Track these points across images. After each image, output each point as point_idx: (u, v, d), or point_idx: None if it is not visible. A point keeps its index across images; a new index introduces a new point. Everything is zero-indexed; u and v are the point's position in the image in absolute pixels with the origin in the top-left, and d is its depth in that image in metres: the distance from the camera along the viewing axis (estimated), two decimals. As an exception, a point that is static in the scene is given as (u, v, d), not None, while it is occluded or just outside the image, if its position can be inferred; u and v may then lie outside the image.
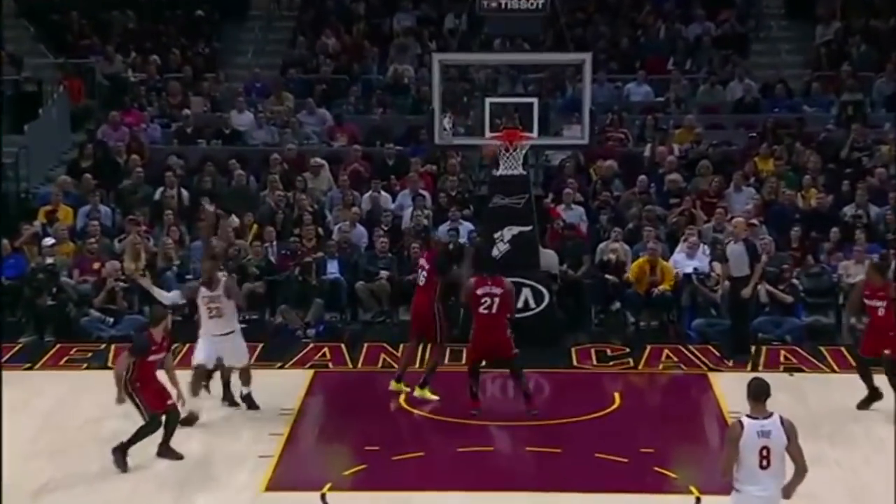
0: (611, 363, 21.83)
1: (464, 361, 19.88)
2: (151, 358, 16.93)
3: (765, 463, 11.59)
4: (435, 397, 19.67)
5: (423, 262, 20.35)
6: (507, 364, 19.45)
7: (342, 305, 24.80)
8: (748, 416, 11.79)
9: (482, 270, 19.95)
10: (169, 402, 16.88)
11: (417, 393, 19.79)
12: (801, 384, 21.02)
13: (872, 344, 19.18)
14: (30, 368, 22.36)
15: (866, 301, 19.23)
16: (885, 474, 16.33)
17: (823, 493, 16.28)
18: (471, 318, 19.60)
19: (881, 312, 18.99)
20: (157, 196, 26.79)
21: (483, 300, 19.07)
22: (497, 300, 19.00)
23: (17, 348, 23.13)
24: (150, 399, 16.77)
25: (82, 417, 19.36)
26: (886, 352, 18.91)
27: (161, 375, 17.40)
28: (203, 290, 19.21)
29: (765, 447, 11.59)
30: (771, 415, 11.79)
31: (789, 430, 11.75)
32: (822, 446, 17.79)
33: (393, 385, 20.25)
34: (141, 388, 16.76)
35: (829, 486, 16.45)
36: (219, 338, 19.19)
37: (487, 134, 23.15)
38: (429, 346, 20.57)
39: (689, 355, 22.68)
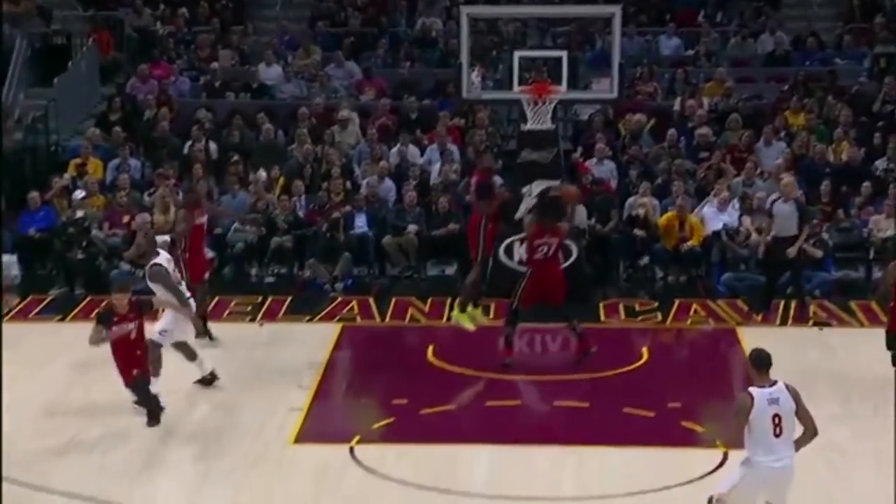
0: (639, 318, 21.88)
1: (492, 317, 19.96)
2: (115, 329, 16.57)
3: (778, 431, 11.55)
4: (470, 326, 19.70)
5: (473, 180, 20.64)
6: (557, 309, 19.64)
7: (370, 260, 24.91)
8: (755, 385, 11.75)
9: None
10: (135, 371, 16.70)
11: (454, 315, 19.94)
12: (830, 339, 21.10)
13: None
14: (61, 321, 22.52)
15: None
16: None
17: (851, 447, 16.37)
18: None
19: None
20: (185, 150, 26.86)
21: (540, 248, 19.32)
22: (553, 247, 19.35)
23: (47, 300, 23.31)
24: (121, 370, 16.73)
25: (112, 370, 19.49)
26: None
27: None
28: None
29: (776, 415, 11.56)
30: (776, 382, 11.78)
31: (795, 394, 11.76)
32: (851, 401, 17.90)
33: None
34: (114, 358, 16.73)
35: (856, 441, 16.52)
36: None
37: (516, 88, 23.00)
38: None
39: (718, 310, 22.68)
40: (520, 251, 22.51)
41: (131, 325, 16.44)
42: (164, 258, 18.55)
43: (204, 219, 20.78)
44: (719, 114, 27.64)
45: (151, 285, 18.40)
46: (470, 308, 19.85)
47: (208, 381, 18.60)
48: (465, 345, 19.50)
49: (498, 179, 22.77)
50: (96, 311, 17.55)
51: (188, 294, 18.46)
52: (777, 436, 11.54)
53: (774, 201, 21.60)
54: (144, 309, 16.65)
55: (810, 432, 11.81)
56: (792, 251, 21.24)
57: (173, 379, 18.97)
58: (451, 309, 20.14)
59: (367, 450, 16.32)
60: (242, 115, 28.01)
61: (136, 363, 16.66)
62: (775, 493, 11.86)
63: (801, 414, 11.72)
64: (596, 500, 14.67)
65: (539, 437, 16.99)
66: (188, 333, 18.38)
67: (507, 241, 22.76)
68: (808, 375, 18.99)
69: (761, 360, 11.88)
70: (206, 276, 20.97)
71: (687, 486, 14.92)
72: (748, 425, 11.54)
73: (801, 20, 32.11)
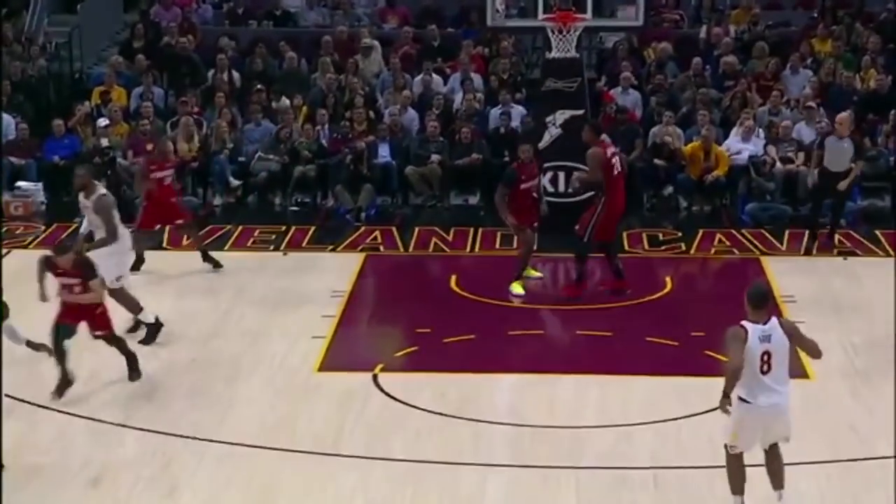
0: (662, 248, 21.92)
1: (515, 245, 20.04)
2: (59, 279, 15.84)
3: (766, 368, 11.41)
4: (522, 291, 19.52)
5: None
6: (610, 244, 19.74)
7: (393, 189, 24.98)
8: (748, 320, 11.57)
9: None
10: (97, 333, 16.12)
11: (511, 287, 19.62)
12: (856, 268, 21.16)
13: None
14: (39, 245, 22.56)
15: None
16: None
17: (875, 373, 16.49)
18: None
19: None
20: (208, 79, 26.89)
21: (613, 160, 19.47)
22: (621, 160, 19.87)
23: (71, 228, 23.38)
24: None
25: (135, 294, 19.61)
26: None
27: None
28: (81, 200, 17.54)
29: (766, 352, 11.41)
30: (769, 319, 11.61)
31: (790, 329, 11.66)
32: (876, 329, 17.97)
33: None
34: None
35: (882, 367, 16.62)
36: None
37: (540, 15, 22.84)
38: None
39: (743, 240, 22.69)
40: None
41: (74, 281, 15.63)
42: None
43: (166, 172, 20.55)
44: (745, 42, 27.57)
45: (94, 216, 18.02)
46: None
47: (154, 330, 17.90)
48: (489, 275, 19.61)
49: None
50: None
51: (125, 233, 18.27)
52: (764, 373, 11.42)
53: (827, 135, 21.47)
54: (87, 273, 15.61)
55: (816, 356, 12.08)
56: (843, 185, 21.28)
57: (198, 310, 19.17)
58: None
59: (390, 378, 16.49)
60: (265, 43, 27.98)
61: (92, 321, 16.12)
62: (770, 430, 11.79)
63: (802, 345, 11.79)
64: (618, 428, 14.77)
65: (562, 366, 17.06)
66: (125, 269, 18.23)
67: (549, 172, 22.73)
68: (834, 304, 19.18)
69: (757, 297, 11.70)
70: (179, 222, 20.91)
71: (710, 414, 14.99)
72: (742, 357, 11.42)
73: None
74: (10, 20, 28.33)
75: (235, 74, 26.97)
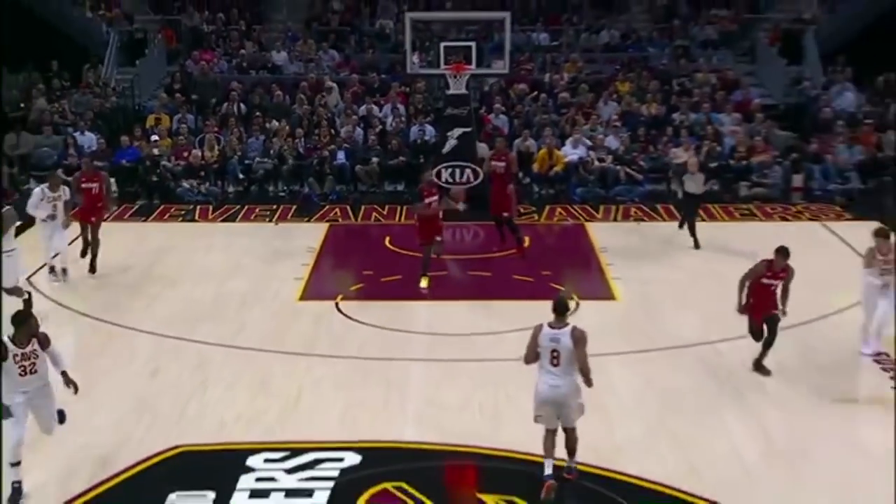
0: (522, 217, 21.71)
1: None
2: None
3: (555, 362, 10.22)
4: (425, 285, 17.72)
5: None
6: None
7: (347, 181, 24.51)
8: (549, 324, 10.35)
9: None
10: None
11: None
12: (645, 230, 21.31)
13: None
14: (144, 221, 22.35)
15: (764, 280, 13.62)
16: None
17: (658, 297, 16.71)
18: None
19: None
20: (223, 108, 26.55)
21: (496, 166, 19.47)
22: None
23: (135, 208, 23.16)
24: None
25: (181, 253, 19.42)
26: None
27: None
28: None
29: (555, 349, 10.22)
30: (565, 325, 10.32)
31: (577, 339, 10.22)
32: (657, 269, 18.21)
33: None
34: None
35: (662, 294, 16.89)
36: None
37: (442, 66, 22.87)
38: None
39: (574, 211, 22.71)
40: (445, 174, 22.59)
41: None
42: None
43: (94, 185, 18.22)
44: (574, 84, 27.45)
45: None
46: None
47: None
48: (410, 237, 19.44)
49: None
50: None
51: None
52: (554, 365, 10.24)
53: (687, 174, 19.86)
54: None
55: (584, 371, 10.32)
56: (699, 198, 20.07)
57: (218, 261, 19.02)
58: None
59: (348, 304, 16.51)
60: (261, 85, 27.55)
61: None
62: (556, 408, 10.39)
63: (579, 353, 10.25)
64: (498, 334, 14.77)
65: (459, 294, 17.11)
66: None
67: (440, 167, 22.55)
68: (631, 253, 19.35)
69: (558, 306, 10.46)
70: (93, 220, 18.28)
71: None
72: (538, 350, 10.35)
73: (626, 22, 31.52)
74: (93, 69, 27.82)
75: (242, 106, 26.55)
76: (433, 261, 17.45)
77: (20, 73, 27.68)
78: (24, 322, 10.18)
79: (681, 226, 20.05)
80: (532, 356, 10.34)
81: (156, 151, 24.76)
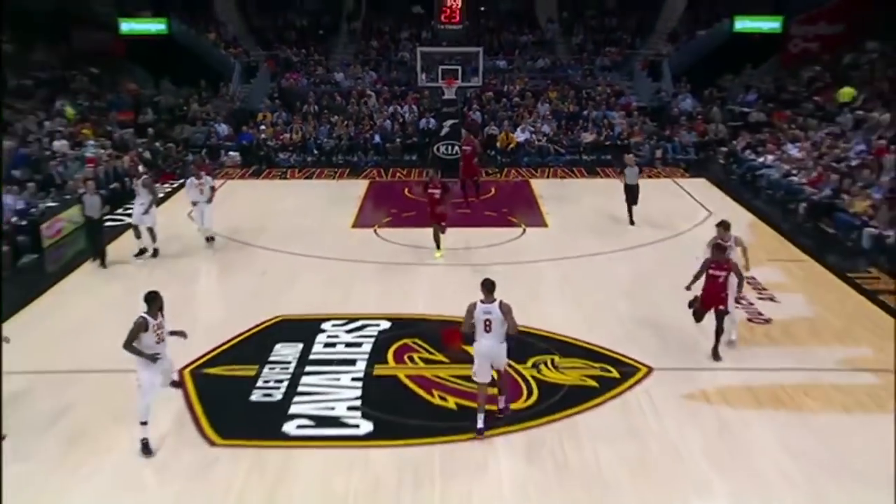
0: (489, 177, 21.48)
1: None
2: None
3: (487, 328, 8.45)
4: (438, 256, 15.05)
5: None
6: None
7: (381, 153, 24.04)
8: (480, 301, 8.50)
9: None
10: None
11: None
12: (567, 184, 20.82)
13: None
14: (256, 179, 21.95)
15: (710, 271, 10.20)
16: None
17: (575, 226, 16.39)
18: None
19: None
20: (304, 108, 26.07)
21: (464, 149, 18.76)
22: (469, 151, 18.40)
23: (251, 170, 22.90)
24: None
25: (280, 199, 19.19)
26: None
27: None
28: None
29: (487, 320, 8.43)
30: (494, 301, 8.49)
31: (505, 310, 8.43)
32: (577, 210, 17.82)
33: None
34: None
35: (578, 225, 16.56)
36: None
37: (440, 81, 22.60)
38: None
39: (522, 174, 22.20)
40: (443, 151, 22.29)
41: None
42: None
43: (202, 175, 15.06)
44: (522, 92, 26.96)
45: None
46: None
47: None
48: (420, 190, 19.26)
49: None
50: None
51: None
52: (487, 331, 8.47)
53: (624, 168, 16.27)
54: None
55: (513, 331, 8.52)
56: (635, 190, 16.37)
57: (305, 202, 18.73)
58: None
59: (382, 230, 16.30)
60: (327, 94, 27.04)
61: None
62: (491, 360, 8.59)
63: (509, 320, 8.46)
64: (477, 248, 14.65)
65: (452, 224, 16.49)
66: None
67: (438, 145, 22.24)
68: (564, 199, 19.01)
69: (486, 286, 8.53)
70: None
71: (515, 241, 14.95)
72: (473, 321, 8.54)
73: (555, 55, 30.53)
74: (226, 85, 27.30)
75: (315, 107, 26.09)
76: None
77: (182, 88, 27.22)
78: (155, 299, 8.26)
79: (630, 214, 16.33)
80: (468, 327, 8.56)
81: (263, 135, 24.46)
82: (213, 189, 14.91)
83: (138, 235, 14.44)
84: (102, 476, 7.99)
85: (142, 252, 14.35)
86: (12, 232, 14.41)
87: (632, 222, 16.09)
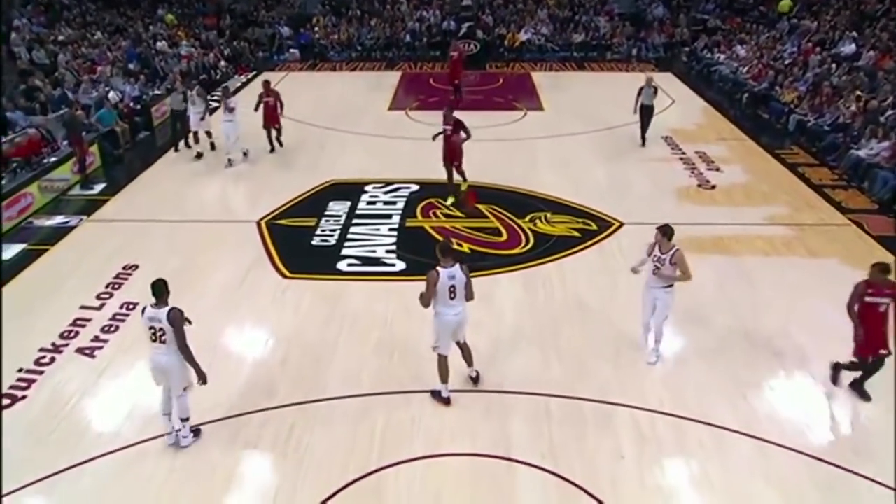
0: (498, 69, 20.16)
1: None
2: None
3: (452, 295, 6.10)
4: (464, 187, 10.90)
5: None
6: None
7: (412, 49, 22.35)
8: (441, 267, 6.10)
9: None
10: None
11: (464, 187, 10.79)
12: (562, 76, 19.43)
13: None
14: (311, 70, 20.52)
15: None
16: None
17: (566, 124, 15.57)
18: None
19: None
20: (349, 13, 23.97)
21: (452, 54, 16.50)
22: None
23: (307, 64, 21.52)
24: None
25: (330, 86, 18.05)
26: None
27: None
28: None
29: (452, 285, 6.09)
30: (454, 264, 6.13)
31: (466, 272, 6.17)
32: (571, 102, 16.81)
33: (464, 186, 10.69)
34: None
35: (569, 124, 15.60)
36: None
37: None
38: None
39: (524, 67, 20.46)
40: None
41: None
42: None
43: (270, 99, 12.20)
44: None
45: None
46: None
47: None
48: (442, 80, 18.03)
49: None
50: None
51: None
52: (452, 298, 6.12)
53: (642, 88, 12.49)
54: None
55: (471, 296, 6.23)
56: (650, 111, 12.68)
57: (346, 91, 17.78)
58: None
59: (413, 112, 15.22)
60: (367, 1, 24.55)
61: None
62: (456, 331, 6.30)
63: (468, 284, 6.18)
64: (486, 128, 13.76)
65: (469, 107, 14.90)
66: None
67: (456, 41, 19.91)
68: (560, 88, 17.69)
69: (443, 250, 6.18)
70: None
71: (518, 121, 14.25)
72: (435, 290, 6.12)
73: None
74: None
75: (359, 11, 23.98)
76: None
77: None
78: (162, 288, 5.66)
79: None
80: (428, 301, 6.17)
81: (317, 35, 23.01)
82: (231, 110, 11.70)
83: (197, 140, 12.43)
84: (206, 300, 8.04)
85: (199, 156, 12.10)
86: (130, 114, 14.35)
87: (643, 143, 12.49)
